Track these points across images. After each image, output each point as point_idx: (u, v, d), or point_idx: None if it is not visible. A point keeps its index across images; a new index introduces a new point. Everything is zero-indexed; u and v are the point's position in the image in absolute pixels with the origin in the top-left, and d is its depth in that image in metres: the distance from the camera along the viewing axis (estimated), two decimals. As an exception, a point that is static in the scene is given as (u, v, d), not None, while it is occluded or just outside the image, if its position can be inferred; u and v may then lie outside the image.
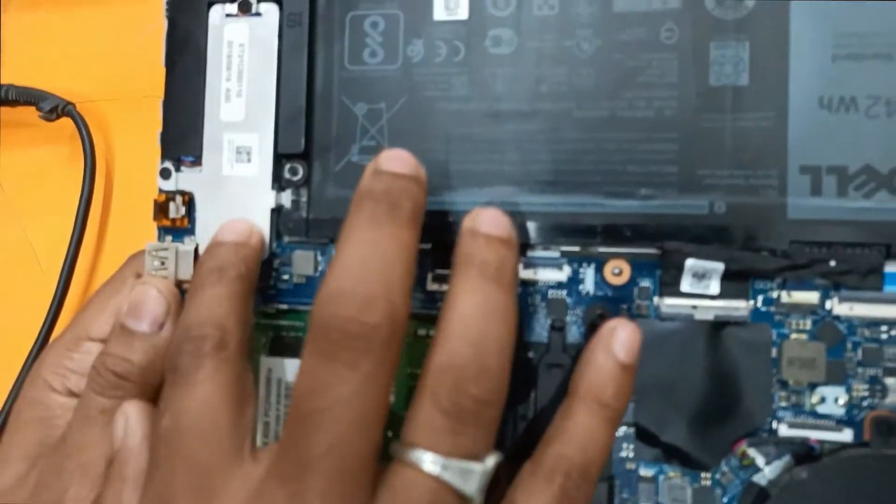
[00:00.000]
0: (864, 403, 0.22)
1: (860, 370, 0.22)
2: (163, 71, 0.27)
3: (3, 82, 0.35)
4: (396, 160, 0.22)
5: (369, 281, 0.20)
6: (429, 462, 0.19)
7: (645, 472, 0.23)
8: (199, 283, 0.23)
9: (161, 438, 0.22)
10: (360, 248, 0.20)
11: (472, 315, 0.20)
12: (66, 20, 0.35)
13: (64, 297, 0.32)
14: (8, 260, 0.35)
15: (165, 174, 0.26)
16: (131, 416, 0.24)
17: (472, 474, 0.19)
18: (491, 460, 0.20)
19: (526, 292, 0.24)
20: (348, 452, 0.19)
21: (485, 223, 0.21)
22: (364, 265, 0.20)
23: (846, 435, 0.22)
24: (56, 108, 0.33)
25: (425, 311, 0.24)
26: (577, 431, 0.21)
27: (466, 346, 0.20)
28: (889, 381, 0.22)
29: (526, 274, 0.24)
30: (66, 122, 0.33)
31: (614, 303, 0.24)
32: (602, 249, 0.24)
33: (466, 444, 0.20)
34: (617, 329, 0.21)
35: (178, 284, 0.26)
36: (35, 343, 0.31)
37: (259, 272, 0.25)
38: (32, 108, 0.33)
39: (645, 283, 0.23)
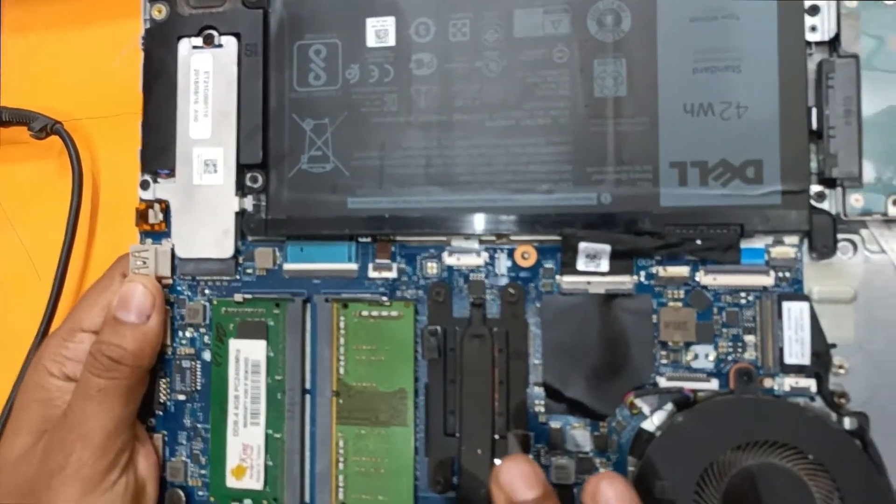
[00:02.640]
0: (729, 358, 0.28)
1: (724, 330, 0.29)
2: (138, 90, 0.33)
3: (-6, 104, 0.40)
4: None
5: None
6: None
7: (554, 424, 0.30)
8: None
9: None
10: None
11: None
12: (50, 44, 0.41)
13: (59, 297, 0.38)
14: (7, 266, 0.41)
15: (145, 185, 0.32)
16: None
17: None
18: None
19: (451, 277, 0.30)
20: None
21: (519, 490, 0.24)
22: None
23: (714, 384, 0.28)
24: (46, 128, 0.39)
25: (367, 294, 0.31)
26: None
27: None
28: (748, 338, 0.28)
29: (450, 261, 0.30)
30: (54, 139, 0.39)
31: (525, 282, 0.30)
32: (513, 237, 0.30)
33: None
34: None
35: (159, 279, 0.32)
36: (35, 339, 0.37)
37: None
38: (24, 128, 0.39)
39: (549, 264, 0.30)
